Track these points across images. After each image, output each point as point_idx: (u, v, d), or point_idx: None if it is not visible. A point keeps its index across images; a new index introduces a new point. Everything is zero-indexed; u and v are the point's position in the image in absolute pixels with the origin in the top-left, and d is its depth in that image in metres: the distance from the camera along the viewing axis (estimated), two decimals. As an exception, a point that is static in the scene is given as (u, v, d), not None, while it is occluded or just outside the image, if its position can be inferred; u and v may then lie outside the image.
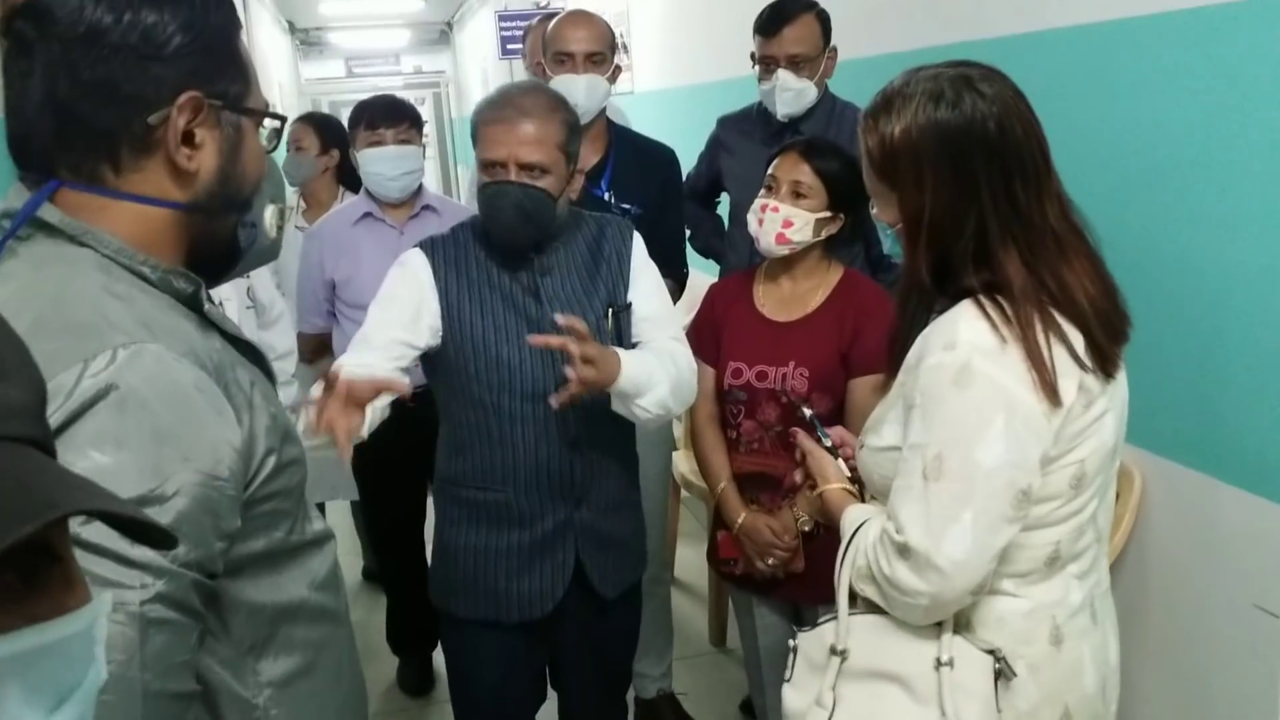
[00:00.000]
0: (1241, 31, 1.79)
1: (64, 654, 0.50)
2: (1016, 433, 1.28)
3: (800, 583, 2.17)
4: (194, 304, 1.01)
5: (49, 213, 0.94)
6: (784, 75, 2.60)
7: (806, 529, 2.11)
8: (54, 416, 0.81)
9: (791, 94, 2.62)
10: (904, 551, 1.32)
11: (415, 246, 1.95)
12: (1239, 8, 1.78)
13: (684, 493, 3.61)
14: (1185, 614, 2.05)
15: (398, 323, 1.87)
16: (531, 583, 1.98)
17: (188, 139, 0.98)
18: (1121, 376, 1.40)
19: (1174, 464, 2.04)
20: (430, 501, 3.17)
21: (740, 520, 2.18)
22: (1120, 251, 2.03)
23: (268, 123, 1.08)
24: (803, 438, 1.66)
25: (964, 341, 1.30)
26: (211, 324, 1.03)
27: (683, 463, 3.39)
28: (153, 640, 0.84)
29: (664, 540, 3.13)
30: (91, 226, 0.95)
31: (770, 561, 2.15)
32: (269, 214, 1.11)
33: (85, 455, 0.81)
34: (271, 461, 0.97)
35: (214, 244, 1.06)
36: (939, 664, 1.37)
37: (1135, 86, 2.04)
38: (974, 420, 1.29)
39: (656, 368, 1.87)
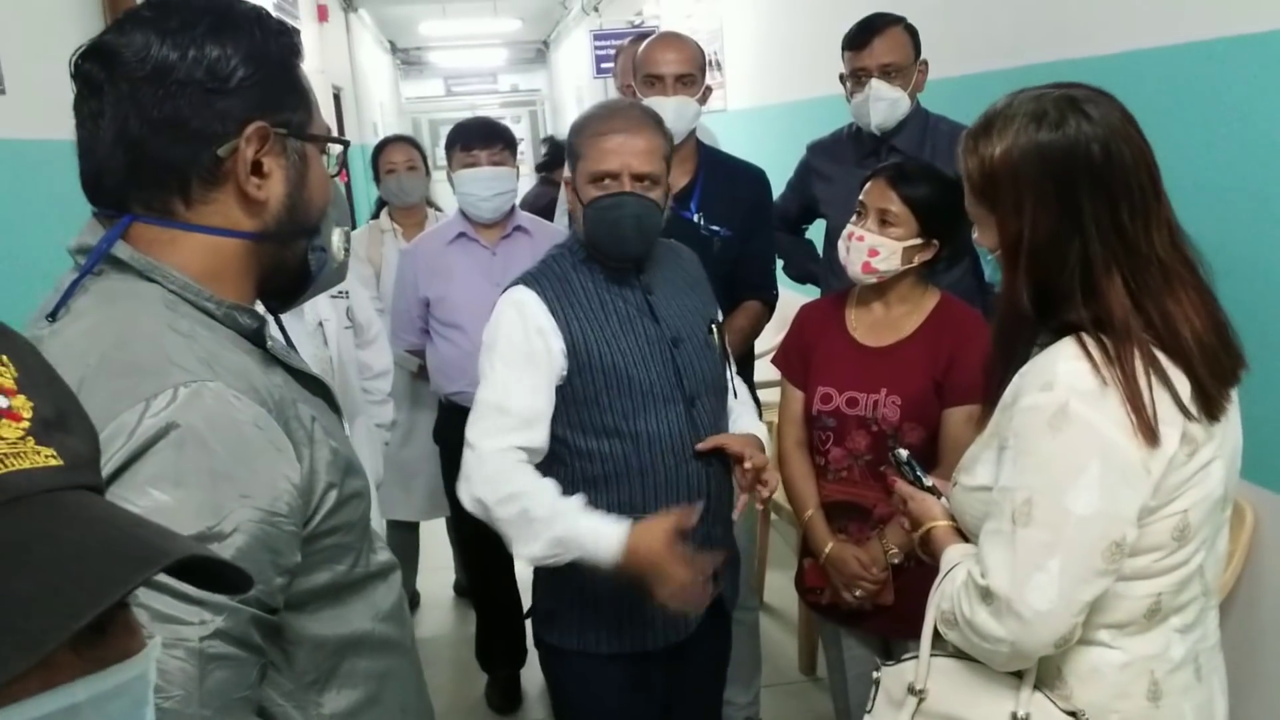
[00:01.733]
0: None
1: (130, 695, 0.50)
2: (1112, 482, 1.22)
3: (888, 616, 2.11)
4: (257, 339, 1.02)
5: (120, 249, 0.96)
6: (877, 84, 2.57)
7: (896, 561, 2.06)
8: (118, 455, 0.83)
9: (885, 103, 2.58)
10: (987, 596, 1.28)
11: (520, 285, 1.87)
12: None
13: (773, 516, 3.57)
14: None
15: (533, 388, 1.81)
16: (663, 610, 1.85)
17: (256, 169, 0.99)
18: (1233, 419, 1.33)
19: (1289, 500, 1.94)
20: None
21: (827, 550, 2.13)
22: (1230, 281, 1.95)
23: (331, 148, 1.09)
24: (901, 484, 1.60)
25: (1062, 382, 1.25)
26: (275, 359, 1.03)
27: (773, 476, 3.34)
28: (212, 676, 0.84)
29: (753, 565, 3.09)
30: (160, 262, 0.96)
31: (858, 593, 2.10)
32: (336, 237, 1.12)
33: (145, 494, 0.82)
34: (333, 496, 0.97)
35: (284, 270, 1.07)
36: (1014, 718, 1.32)
37: (1244, 109, 1.95)
38: (1067, 466, 1.24)
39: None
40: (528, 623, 3.27)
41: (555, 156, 4.74)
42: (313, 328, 2.58)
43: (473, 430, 1.81)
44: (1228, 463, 1.32)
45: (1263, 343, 1.91)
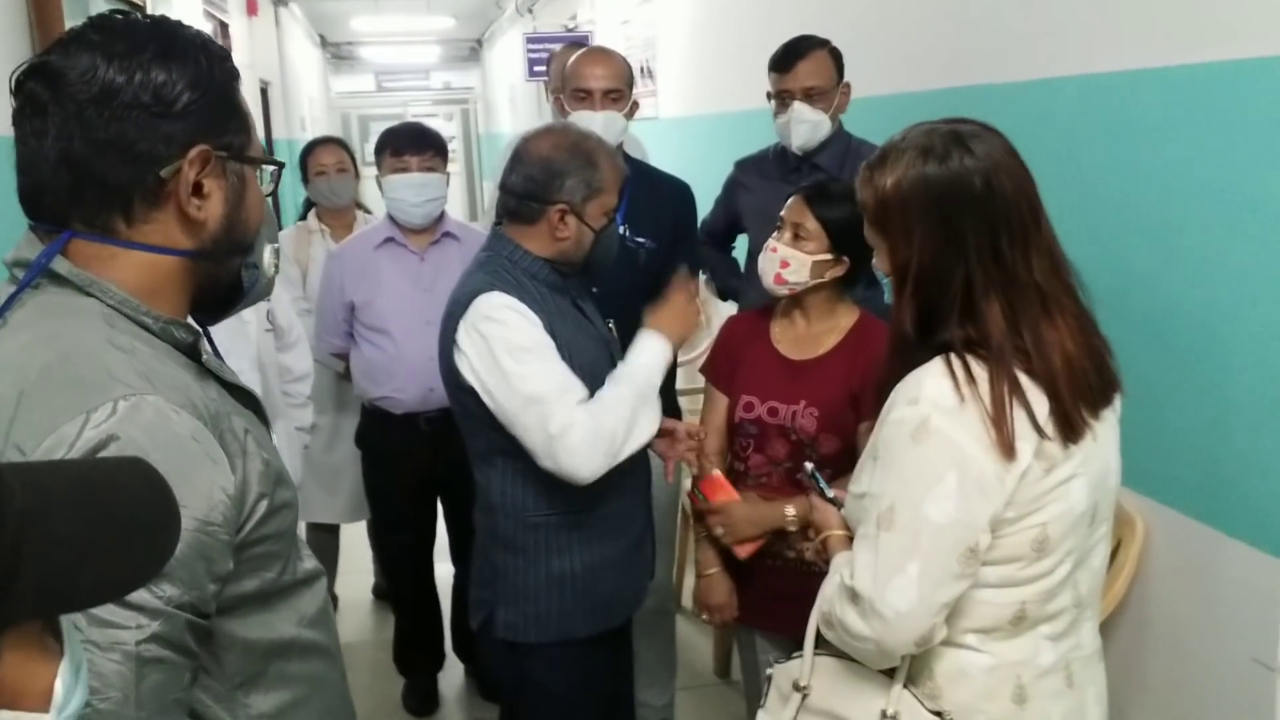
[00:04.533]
0: (1255, 89, 1.81)
1: None
2: (967, 491, 1.30)
3: (800, 619, 2.18)
4: (193, 353, 1.05)
5: (59, 264, 0.98)
6: (799, 107, 2.66)
7: (793, 529, 2.12)
8: None
9: (807, 125, 2.67)
10: (854, 596, 1.36)
11: (494, 291, 1.94)
12: (1253, 65, 1.80)
13: (693, 523, 3.62)
14: (1184, 663, 2.05)
15: (562, 365, 1.93)
16: (632, 579, 2.16)
17: (196, 189, 1.02)
18: (1105, 439, 1.40)
19: (1177, 513, 2.05)
20: (441, 525, 3.23)
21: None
22: (1129, 301, 2.06)
23: (266, 168, 1.12)
24: (812, 495, 1.70)
25: (926, 398, 1.33)
26: (209, 372, 1.06)
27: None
28: (148, 678, 0.87)
29: (671, 570, 3.15)
30: (98, 278, 0.99)
31: (720, 532, 2.15)
32: (268, 254, 1.15)
33: None
34: (264, 506, 1.01)
35: (219, 286, 1.11)
36: (884, 716, 1.40)
37: (1150, 138, 2.06)
38: (926, 475, 1.32)
39: None
40: (447, 628, 3.33)
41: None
42: (237, 329, 2.58)
43: (553, 422, 1.85)
44: (1093, 481, 1.39)
45: (1156, 360, 2.03)
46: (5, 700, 0.50)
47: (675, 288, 2.13)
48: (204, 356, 1.06)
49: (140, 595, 0.85)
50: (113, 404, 0.89)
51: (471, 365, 1.91)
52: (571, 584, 2.03)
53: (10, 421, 0.88)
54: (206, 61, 1.02)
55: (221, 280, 1.10)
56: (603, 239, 2.03)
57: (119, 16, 1.02)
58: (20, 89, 0.98)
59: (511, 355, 1.88)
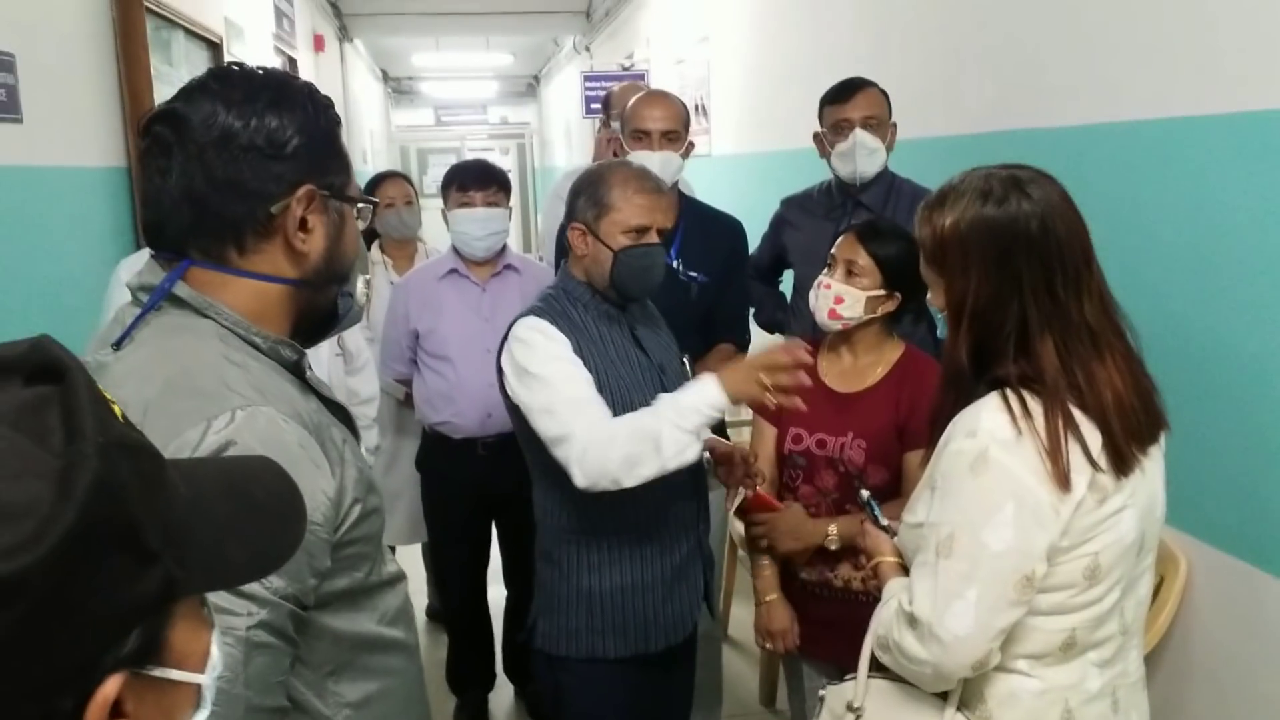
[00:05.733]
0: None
1: None
2: (1024, 521, 1.35)
3: (847, 647, 2.22)
4: (297, 370, 1.16)
5: (179, 288, 1.09)
6: (861, 134, 2.74)
7: (833, 548, 2.17)
8: None
9: (868, 151, 2.75)
10: (912, 621, 1.42)
11: (531, 315, 2.05)
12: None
13: (740, 552, 3.68)
14: (1225, 699, 2.07)
15: (585, 380, 1.98)
16: (672, 608, 2.14)
17: (302, 225, 1.13)
18: (1150, 474, 1.45)
19: (1220, 552, 2.08)
20: (497, 546, 3.32)
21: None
22: (1174, 342, 2.11)
23: (361, 205, 1.23)
24: (865, 522, 1.74)
25: (984, 431, 1.39)
26: (310, 388, 1.17)
27: (738, 523, 3.46)
28: (255, 661, 0.97)
29: (719, 596, 3.20)
30: (214, 301, 1.10)
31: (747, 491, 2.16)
32: (360, 284, 1.27)
33: None
34: (357, 510, 1.11)
35: (317, 312, 1.21)
36: None
37: (1191, 183, 2.11)
38: (985, 505, 1.37)
39: None
40: (498, 649, 3.40)
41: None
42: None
43: (558, 426, 1.93)
44: (1141, 512, 1.44)
45: (1198, 399, 2.07)
46: (174, 660, 0.58)
47: (775, 348, 1.99)
48: (307, 373, 1.17)
49: (251, 585, 0.95)
50: (231, 413, 0.99)
51: (509, 383, 2.03)
52: (601, 602, 2.08)
53: (139, 427, 0.98)
54: (313, 109, 1.13)
55: (320, 307, 1.21)
56: (623, 259, 2.03)
57: (235, 68, 1.14)
58: (148, 131, 1.10)
59: (530, 370, 2.00)
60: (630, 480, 1.87)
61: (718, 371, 1.92)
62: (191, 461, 0.70)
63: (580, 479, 1.90)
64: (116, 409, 0.57)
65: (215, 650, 0.62)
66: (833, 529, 2.16)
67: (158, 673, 0.56)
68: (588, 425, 1.90)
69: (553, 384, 1.97)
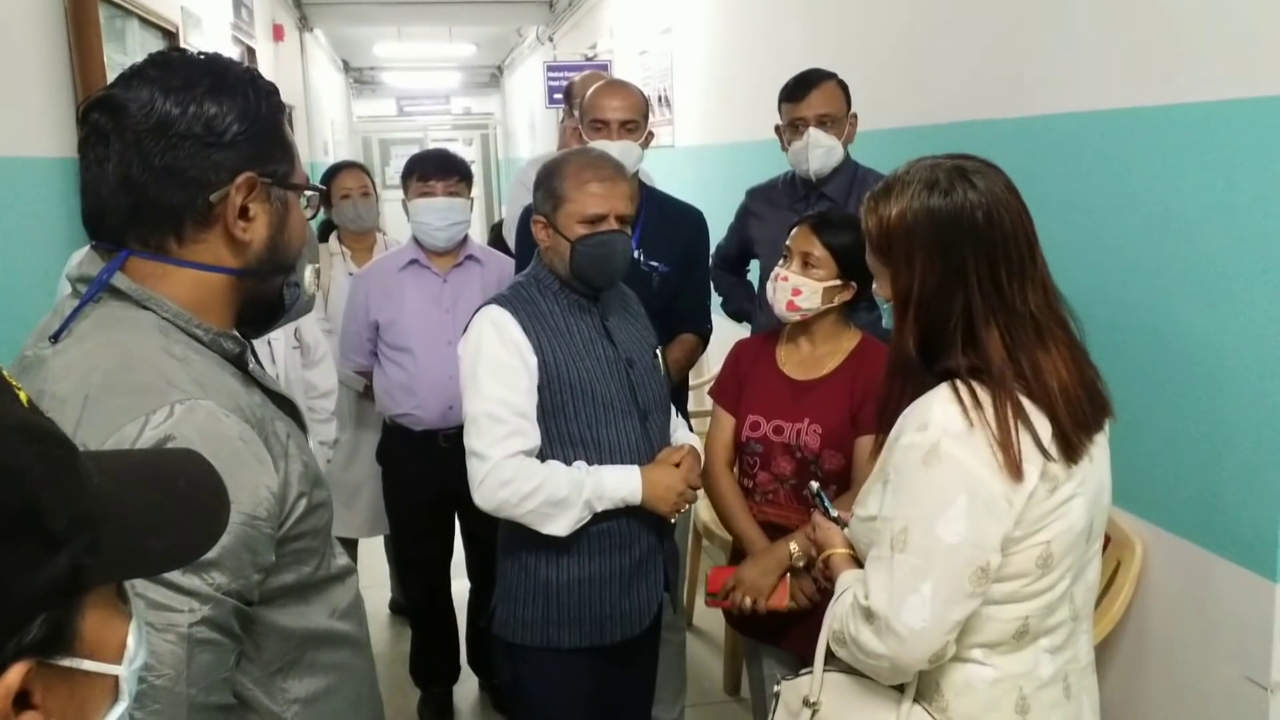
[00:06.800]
0: (1242, 128, 1.88)
1: None
2: (977, 513, 1.36)
3: (806, 635, 2.24)
4: (239, 363, 1.14)
5: (119, 279, 1.07)
6: (815, 133, 2.74)
7: (800, 564, 2.18)
8: None
9: (822, 150, 2.74)
10: (869, 616, 1.42)
11: (494, 305, 2.07)
12: (1245, 105, 1.88)
13: (705, 542, 3.69)
14: (1180, 682, 2.10)
15: (521, 392, 2.01)
16: (629, 602, 2.15)
17: (243, 213, 1.11)
18: (1098, 461, 1.46)
19: (1174, 537, 2.11)
20: (460, 540, 3.31)
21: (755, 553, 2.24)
22: (1126, 332, 2.13)
23: (307, 194, 1.21)
24: (815, 514, 1.75)
25: (936, 423, 1.39)
26: (254, 380, 1.15)
27: (704, 512, 3.48)
28: (198, 658, 0.96)
29: (681, 588, 3.21)
30: (154, 292, 1.08)
31: (747, 602, 2.20)
32: (308, 274, 1.24)
33: None
34: (303, 504, 1.09)
35: (262, 302, 1.19)
36: None
37: (1146, 173, 2.13)
38: (938, 499, 1.37)
39: None
40: (463, 642, 3.39)
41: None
42: (262, 346, 2.67)
43: (478, 442, 1.99)
44: (1090, 499, 1.45)
45: (1153, 386, 2.09)
46: (86, 651, 0.57)
47: (673, 454, 2.15)
48: (249, 366, 1.15)
49: (192, 581, 0.94)
50: (170, 407, 0.97)
51: (463, 374, 2.06)
52: (558, 594, 2.09)
53: (77, 422, 0.96)
54: (255, 96, 1.11)
55: (265, 297, 1.19)
56: (579, 249, 2.04)
57: (175, 53, 1.12)
58: (85, 119, 1.07)
59: (470, 369, 2.03)
60: (525, 522, 2.00)
61: (649, 476, 2.06)
62: (113, 452, 0.69)
63: (479, 500, 1.99)
64: (23, 394, 0.56)
65: (132, 641, 0.61)
66: (793, 546, 2.18)
67: (68, 663, 0.56)
68: (502, 456, 1.96)
69: (485, 396, 2.00)
